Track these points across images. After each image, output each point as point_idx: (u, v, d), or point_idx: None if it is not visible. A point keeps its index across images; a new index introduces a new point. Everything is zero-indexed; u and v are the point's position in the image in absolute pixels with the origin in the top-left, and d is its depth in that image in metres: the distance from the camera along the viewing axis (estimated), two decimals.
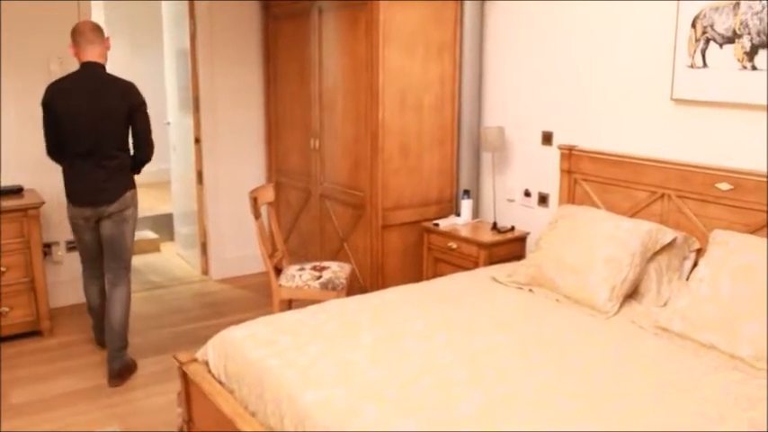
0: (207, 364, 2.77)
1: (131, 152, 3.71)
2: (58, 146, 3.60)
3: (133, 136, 3.67)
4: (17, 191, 4.24)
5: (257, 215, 3.72)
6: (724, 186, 3.00)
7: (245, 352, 2.57)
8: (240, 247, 5.38)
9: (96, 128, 3.51)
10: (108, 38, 3.64)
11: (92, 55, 3.53)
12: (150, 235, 6.31)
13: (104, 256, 3.73)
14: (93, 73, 3.55)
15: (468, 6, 4.17)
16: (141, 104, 3.62)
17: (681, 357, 2.49)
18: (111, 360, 3.68)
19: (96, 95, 3.52)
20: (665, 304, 2.93)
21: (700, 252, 3.10)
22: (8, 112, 4.37)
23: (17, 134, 4.41)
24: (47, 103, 3.53)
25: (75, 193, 3.64)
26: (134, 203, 3.73)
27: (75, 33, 3.53)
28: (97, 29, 3.58)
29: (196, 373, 2.72)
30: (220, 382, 2.65)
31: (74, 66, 3.74)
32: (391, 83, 4.03)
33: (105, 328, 3.72)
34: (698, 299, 2.66)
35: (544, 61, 3.92)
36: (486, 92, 4.33)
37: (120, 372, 3.68)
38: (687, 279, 3.00)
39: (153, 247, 6.20)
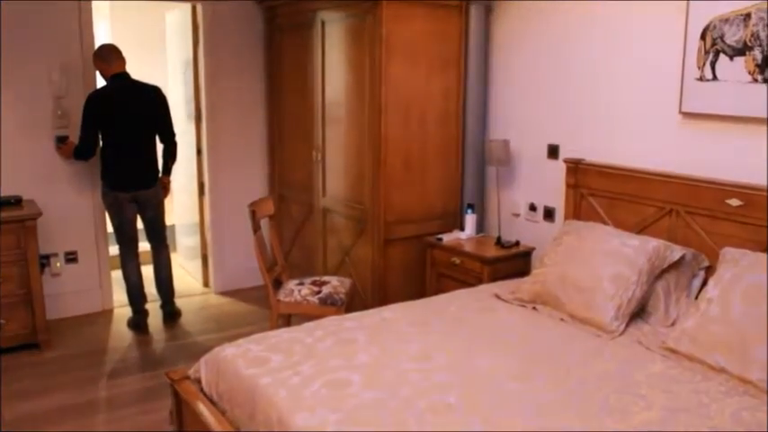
0: (200, 381, 2.70)
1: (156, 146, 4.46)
2: (92, 146, 4.26)
3: (160, 130, 4.45)
4: (16, 202, 4.19)
5: (256, 228, 3.65)
6: (734, 202, 2.91)
7: (237, 370, 2.49)
8: (242, 260, 5.31)
9: (134, 125, 4.27)
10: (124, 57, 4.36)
11: (119, 68, 4.28)
12: None
13: (147, 234, 4.60)
14: (124, 81, 4.30)
15: (473, 20, 4.11)
16: (165, 102, 4.45)
17: (689, 380, 2.39)
18: (164, 307, 4.70)
19: (131, 98, 4.27)
20: (673, 324, 2.83)
21: (709, 270, 3.00)
22: (8, 123, 4.33)
23: (17, 145, 4.38)
24: (89, 108, 4.18)
25: (120, 180, 4.30)
26: (162, 187, 4.54)
27: (104, 53, 4.26)
28: (118, 49, 4.32)
29: (188, 392, 2.65)
30: (213, 401, 2.58)
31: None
32: (395, 96, 3.96)
33: (156, 285, 4.66)
34: (707, 319, 2.56)
35: (550, 74, 3.85)
36: (492, 105, 4.26)
37: (172, 315, 4.68)
38: (696, 298, 2.90)
39: None
